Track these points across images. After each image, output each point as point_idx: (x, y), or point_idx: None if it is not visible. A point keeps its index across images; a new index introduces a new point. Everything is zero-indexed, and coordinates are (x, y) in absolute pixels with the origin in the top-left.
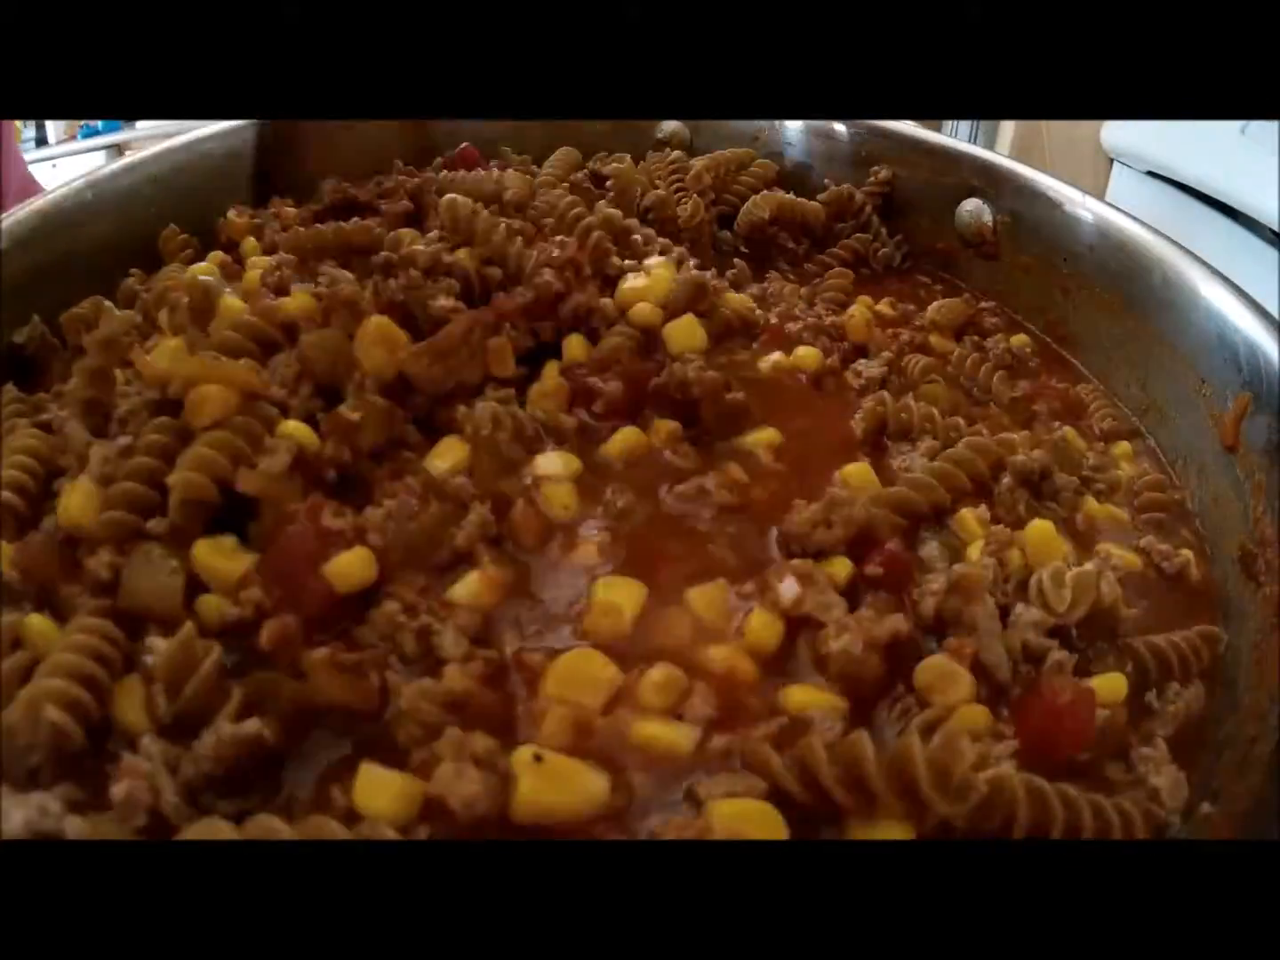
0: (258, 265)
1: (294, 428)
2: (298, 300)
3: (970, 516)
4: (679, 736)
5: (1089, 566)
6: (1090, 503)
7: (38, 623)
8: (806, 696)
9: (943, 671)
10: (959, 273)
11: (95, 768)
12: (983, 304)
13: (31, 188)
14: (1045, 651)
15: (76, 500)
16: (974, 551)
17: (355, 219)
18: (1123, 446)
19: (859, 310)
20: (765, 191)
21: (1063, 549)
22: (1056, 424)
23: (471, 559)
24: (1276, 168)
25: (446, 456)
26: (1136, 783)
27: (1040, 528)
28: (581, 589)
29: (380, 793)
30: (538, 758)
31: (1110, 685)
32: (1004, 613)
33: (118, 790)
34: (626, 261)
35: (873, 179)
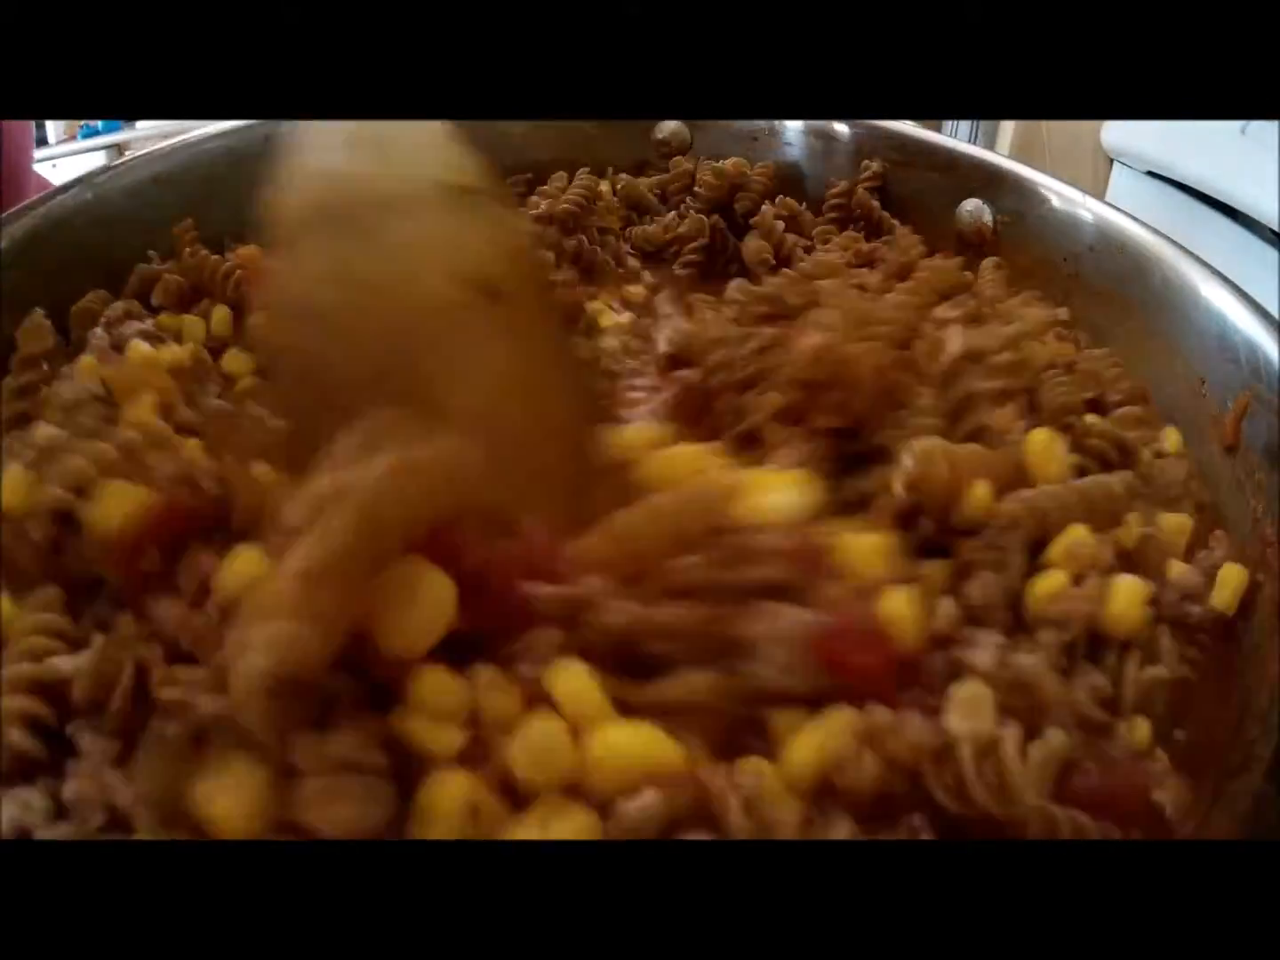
0: None
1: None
2: None
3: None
4: None
5: (1163, 672)
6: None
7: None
8: None
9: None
10: None
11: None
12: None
13: (46, 186)
14: (1100, 722)
15: (9, 483)
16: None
17: None
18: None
19: None
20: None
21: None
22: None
23: None
24: (1276, 168)
25: None
26: None
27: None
28: None
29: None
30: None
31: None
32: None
33: (68, 791)
34: None
35: (865, 173)
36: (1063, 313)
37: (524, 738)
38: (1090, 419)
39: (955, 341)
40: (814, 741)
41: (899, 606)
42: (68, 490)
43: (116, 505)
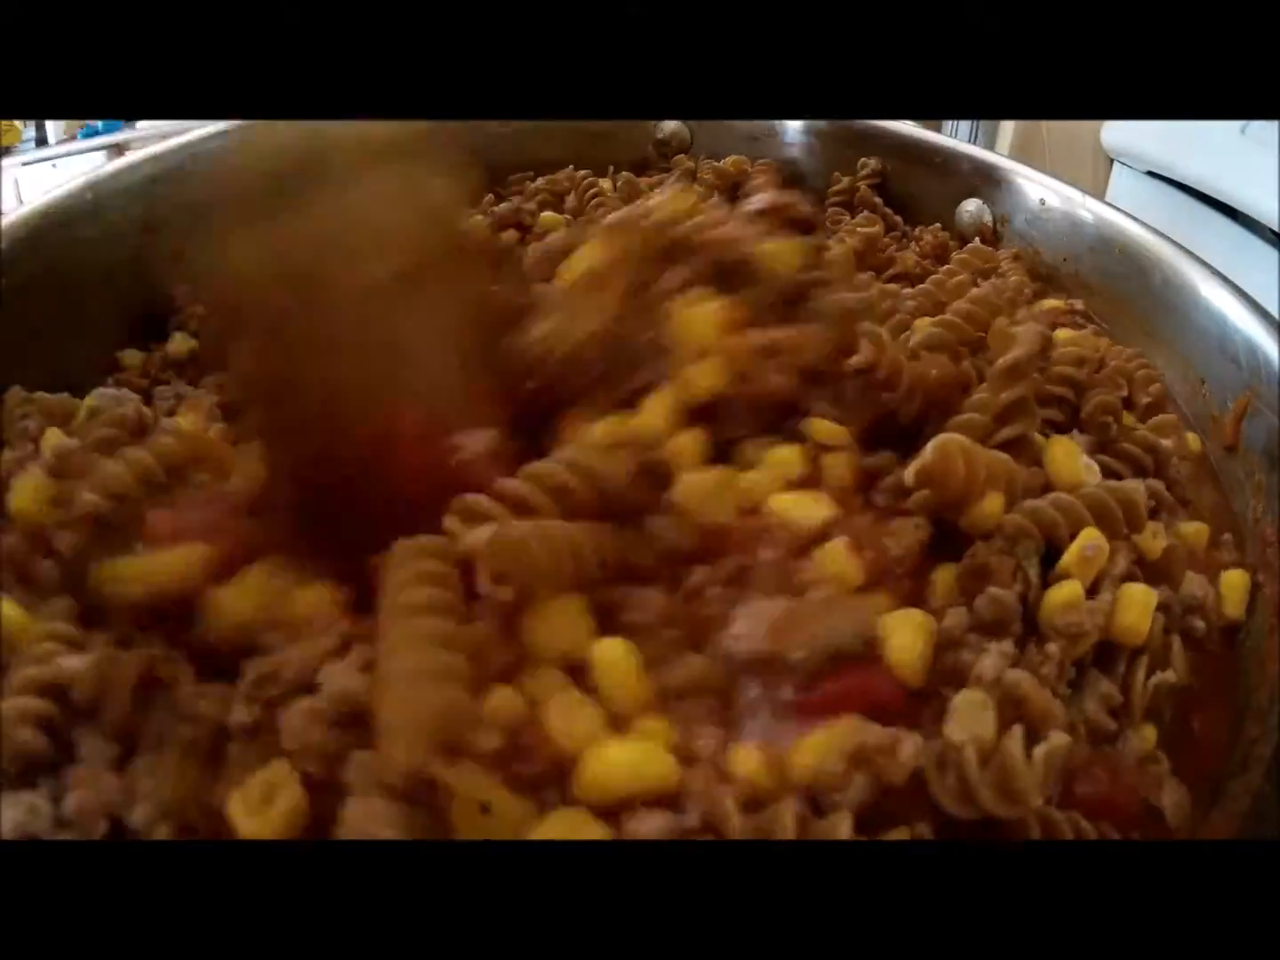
0: None
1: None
2: None
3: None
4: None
5: (1171, 677)
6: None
7: (7, 609)
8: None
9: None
10: None
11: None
12: None
13: None
14: (1110, 730)
15: (26, 490)
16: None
17: None
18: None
19: None
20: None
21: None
22: None
23: None
24: (1276, 168)
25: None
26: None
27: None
28: None
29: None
30: (485, 809)
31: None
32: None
33: (69, 804)
34: None
35: (865, 170)
36: (1078, 304)
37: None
38: (1126, 420)
39: (1027, 341)
40: (817, 746)
41: (905, 647)
42: (106, 497)
43: (176, 569)
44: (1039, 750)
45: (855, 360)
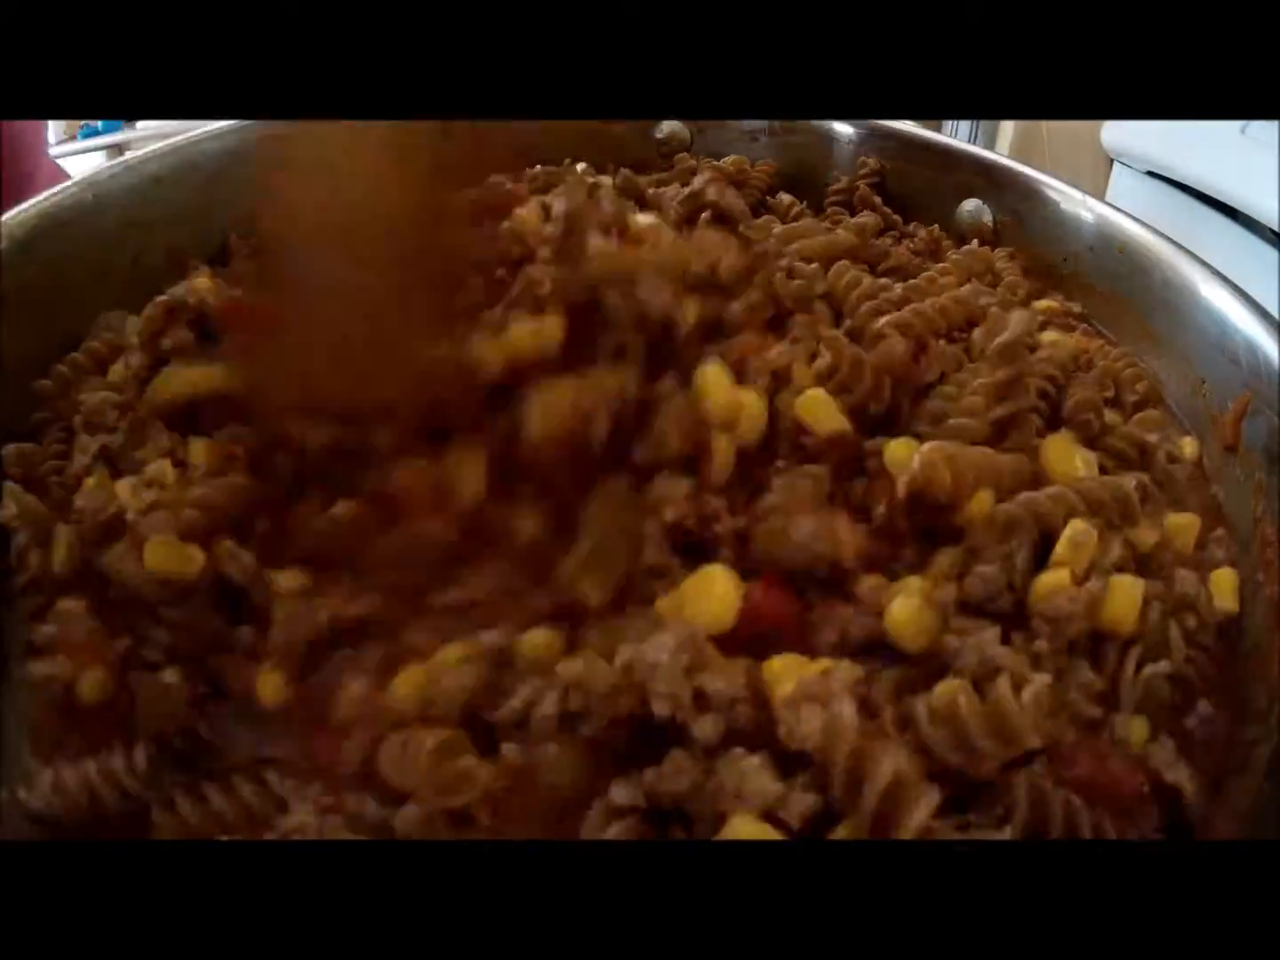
0: None
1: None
2: None
3: None
4: None
5: (1164, 667)
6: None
7: None
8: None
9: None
10: None
11: None
12: None
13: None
14: (1093, 717)
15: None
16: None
17: None
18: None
19: None
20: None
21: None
22: None
23: None
24: (1276, 168)
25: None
26: None
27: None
28: None
29: None
30: None
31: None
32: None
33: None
34: None
35: (864, 170)
36: (1075, 306)
37: None
38: (1110, 417)
39: (1020, 324)
40: None
41: (904, 618)
42: None
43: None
44: (1026, 692)
45: (817, 365)
